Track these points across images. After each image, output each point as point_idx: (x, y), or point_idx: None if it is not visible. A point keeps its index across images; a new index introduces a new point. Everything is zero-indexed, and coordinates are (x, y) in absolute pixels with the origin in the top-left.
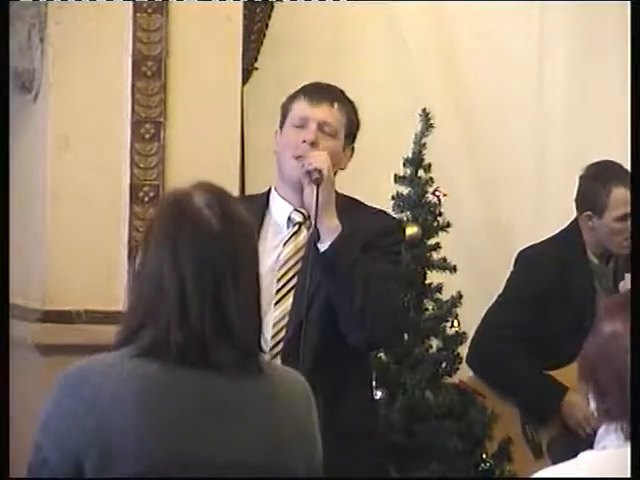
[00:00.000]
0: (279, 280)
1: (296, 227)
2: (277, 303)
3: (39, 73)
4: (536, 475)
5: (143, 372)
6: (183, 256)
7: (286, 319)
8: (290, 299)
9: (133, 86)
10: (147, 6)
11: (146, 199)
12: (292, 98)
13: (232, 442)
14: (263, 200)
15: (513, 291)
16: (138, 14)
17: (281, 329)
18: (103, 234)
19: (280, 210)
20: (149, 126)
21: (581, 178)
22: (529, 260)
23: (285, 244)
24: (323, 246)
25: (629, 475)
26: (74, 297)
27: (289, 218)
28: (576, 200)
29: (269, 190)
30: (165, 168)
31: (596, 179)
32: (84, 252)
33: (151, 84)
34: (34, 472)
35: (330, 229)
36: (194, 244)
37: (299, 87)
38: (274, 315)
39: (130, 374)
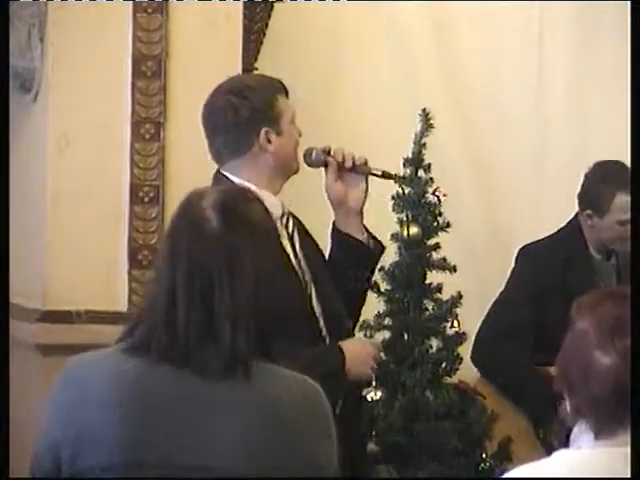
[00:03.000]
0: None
1: (285, 218)
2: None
3: (39, 73)
4: (510, 474)
5: (125, 367)
6: (178, 256)
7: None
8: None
9: (133, 86)
10: (147, 6)
11: (146, 199)
12: (273, 97)
13: (198, 444)
14: None
15: (516, 288)
16: (138, 14)
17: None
18: (103, 234)
19: (273, 204)
20: (149, 126)
21: (586, 176)
22: (531, 257)
23: (292, 236)
24: (363, 237)
25: (629, 475)
26: (74, 297)
27: (282, 212)
28: (579, 196)
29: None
30: (165, 168)
31: (601, 181)
32: (84, 252)
33: (151, 84)
34: (30, 466)
35: (362, 222)
36: (189, 244)
37: (266, 83)
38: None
39: (109, 367)
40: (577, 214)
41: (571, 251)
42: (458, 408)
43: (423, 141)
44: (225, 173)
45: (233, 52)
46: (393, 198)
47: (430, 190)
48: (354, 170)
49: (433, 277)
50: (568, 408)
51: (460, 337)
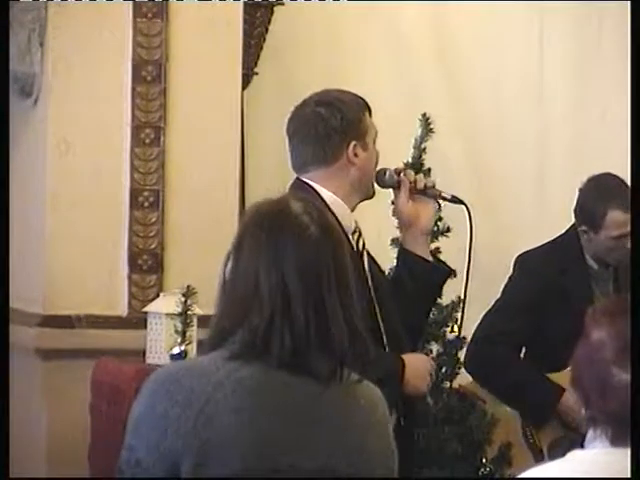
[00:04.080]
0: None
1: (357, 234)
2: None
3: (39, 77)
4: (525, 474)
5: (240, 376)
6: (287, 262)
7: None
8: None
9: (133, 91)
10: (147, 11)
11: (146, 204)
12: (361, 112)
13: (322, 449)
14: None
15: (511, 296)
16: (138, 19)
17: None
18: (103, 239)
19: (348, 217)
20: (149, 131)
21: (580, 191)
22: (527, 265)
23: (362, 253)
24: (430, 258)
25: (629, 476)
26: (74, 302)
27: (355, 227)
28: (575, 212)
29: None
30: (165, 173)
31: (593, 197)
32: (84, 257)
33: (151, 89)
34: (127, 472)
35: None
36: (297, 250)
37: (356, 98)
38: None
39: (226, 377)
40: (574, 224)
41: (568, 260)
42: (458, 413)
43: (423, 145)
44: (308, 181)
45: (233, 56)
46: (393, 202)
47: None
48: (424, 192)
49: None
50: (582, 410)
51: (460, 342)
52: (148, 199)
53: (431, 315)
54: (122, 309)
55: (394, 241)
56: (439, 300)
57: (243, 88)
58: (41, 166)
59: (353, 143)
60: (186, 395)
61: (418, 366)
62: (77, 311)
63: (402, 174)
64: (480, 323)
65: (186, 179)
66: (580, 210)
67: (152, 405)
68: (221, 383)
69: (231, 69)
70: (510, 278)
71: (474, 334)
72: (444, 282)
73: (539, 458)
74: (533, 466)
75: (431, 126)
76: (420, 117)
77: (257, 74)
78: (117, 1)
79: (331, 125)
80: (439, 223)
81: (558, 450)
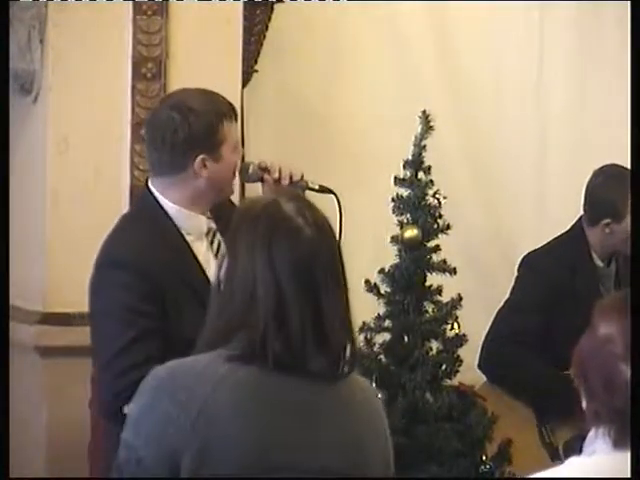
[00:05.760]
0: None
1: (211, 235)
2: None
3: (39, 75)
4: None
5: (239, 376)
6: (278, 263)
7: None
8: None
9: (133, 88)
10: (147, 8)
11: None
12: (216, 122)
13: (321, 448)
14: (165, 220)
15: (523, 296)
16: (138, 16)
17: None
18: (103, 236)
19: (195, 224)
20: None
21: (594, 186)
22: (537, 264)
23: (217, 253)
24: None
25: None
26: (74, 299)
27: (208, 229)
28: (589, 209)
29: (156, 212)
30: None
31: (611, 187)
32: (84, 254)
33: (151, 86)
34: (127, 471)
35: None
36: (291, 250)
37: (213, 107)
38: None
39: (226, 377)
40: (579, 223)
41: (575, 258)
42: (458, 410)
43: (423, 143)
44: (153, 190)
45: (233, 54)
46: (393, 200)
47: (430, 192)
48: (292, 185)
49: (433, 279)
50: (584, 407)
51: (460, 339)
52: None
53: (431, 312)
54: None
55: (394, 239)
56: (439, 297)
57: (243, 86)
58: (41, 163)
59: (201, 157)
60: (186, 394)
61: None
62: (77, 309)
63: (267, 168)
64: (493, 324)
65: None
66: (599, 204)
67: (152, 404)
68: (220, 383)
69: (231, 66)
70: (519, 278)
71: (487, 335)
72: None
73: (555, 457)
74: (534, 465)
75: (431, 123)
76: (420, 114)
77: (257, 72)
78: None
79: (178, 136)
80: (439, 220)
81: (574, 449)
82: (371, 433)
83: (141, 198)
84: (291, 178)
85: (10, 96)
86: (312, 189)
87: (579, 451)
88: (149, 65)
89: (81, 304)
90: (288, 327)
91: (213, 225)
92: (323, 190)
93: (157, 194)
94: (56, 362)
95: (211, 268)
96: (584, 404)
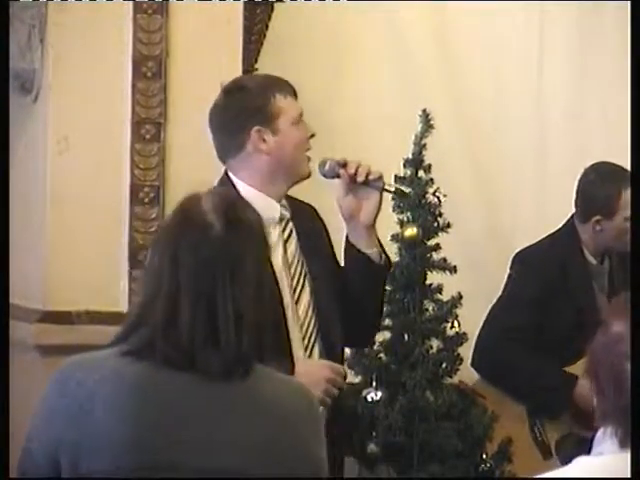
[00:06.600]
0: (293, 278)
1: (284, 223)
2: (297, 302)
3: (39, 74)
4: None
5: (129, 371)
6: (181, 260)
7: (310, 316)
8: (306, 296)
9: (133, 87)
10: (147, 7)
11: (146, 200)
12: (267, 95)
13: (216, 447)
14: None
15: (516, 292)
16: (138, 15)
17: (308, 326)
18: (103, 235)
19: (268, 207)
20: (149, 127)
21: (586, 183)
22: (529, 261)
23: (287, 241)
24: (371, 252)
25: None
26: (74, 298)
27: (280, 215)
28: (581, 205)
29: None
30: (165, 169)
31: (603, 183)
32: (84, 253)
33: (151, 85)
34: (21, 462)
35: (375, 236)
36: (193, 248)
37: (264, 82)
38: (299, 313)
39: (113, 372)
40: (570, 220)
41: (566, 254)
42: (458, 409)
43: (423, 142)
44: (230, 174)
45: (233, 53)
46: (393, 199)
47: (430, 191)
48: (367, 184)
49: (433, 278)
50: (594, 405)
51: (460, 338)
52: (148, 195)
53: (431, 311)
54: (122, 305)
55: (394, 237)
56: (439, 296)
57: None
58: (41, 162)
59: (256, 128)
60: (74, 387)
61: (310, 372)
62: (77, 307)
63: (345, 165)
64: (486, 322)
65: (186, 175)
66: (590, 200)
67: (46, 396)
68: (104, 378)
69: (231, 65)
70: (511, 275)
71: (480, 334)
72: (383, 277)
73: (547, 455)
74: (534, 463)
75: (431, 122)
76: (420, 113)
77: (257, 70)
78: None
79: (230, 113)
80: (439, 219)
81: (566, 447)
82: (286, 433)
83: (219, 181)
84: (367, 176)
85: (10, 96)
86: (388, 191)
87: (571, 450)
88: (149, 64)
89: (81, 302)
90: (179, 324)
91: (287, 213)
92: (397, 192)
93: (232, 176)
94: (56, 361)
95: (277, 259)
96: (594, 403)
